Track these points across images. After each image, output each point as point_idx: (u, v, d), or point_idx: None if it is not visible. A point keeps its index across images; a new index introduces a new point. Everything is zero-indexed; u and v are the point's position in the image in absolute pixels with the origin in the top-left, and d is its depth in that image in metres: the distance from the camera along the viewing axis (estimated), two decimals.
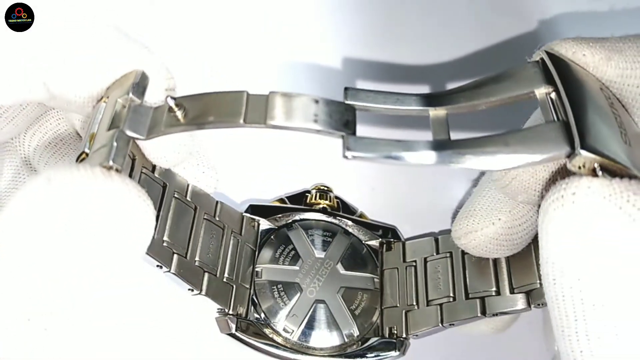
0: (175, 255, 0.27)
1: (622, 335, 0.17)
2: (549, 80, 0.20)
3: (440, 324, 0.30)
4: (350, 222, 0.35)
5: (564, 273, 0.18)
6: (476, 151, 0.19)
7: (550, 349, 0.32)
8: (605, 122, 0.20)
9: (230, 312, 0.30)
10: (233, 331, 0.30)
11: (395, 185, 0.37)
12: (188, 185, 0.29)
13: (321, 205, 0.35)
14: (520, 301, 0.28)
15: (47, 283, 0.18)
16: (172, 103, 0.20)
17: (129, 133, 0.20)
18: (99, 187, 0.19)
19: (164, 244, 0.26)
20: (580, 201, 0.17)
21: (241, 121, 0.20)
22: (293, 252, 0.33)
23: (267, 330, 0.31)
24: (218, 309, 0.30)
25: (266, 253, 0.33)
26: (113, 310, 0.19)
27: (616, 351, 0.17)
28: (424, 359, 0.33)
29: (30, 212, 0.18)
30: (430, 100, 0.21)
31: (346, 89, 0.21)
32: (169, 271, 0.26)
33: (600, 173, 0.18)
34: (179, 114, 0.20)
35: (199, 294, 0.28)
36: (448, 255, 0.31)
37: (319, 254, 0.33)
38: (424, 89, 0.39)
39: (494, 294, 0.29)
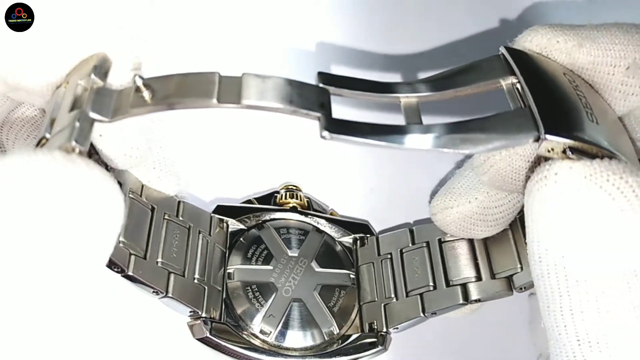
0: (132, 256, 0.25)
1: (603, 310, 0.18)
2: (512, 71, 0.21)
3: (422, 314, 0.30)
4: (321, 220, 0.34)
5: (548, 251, 0.18)
6: (462, 136, 0.19)
7: (537, 346, 0.32)
8: (568, 105, 0.20)
9: (204, 315, 0.28)
10: (207, 335, 0.28)
11: (366, 179, 0.37)
12: (142, 186, 0.27)
13: (291, 205, 0.34)
14: (502, 285, 0.29)
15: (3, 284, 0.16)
16: (139, 82, 0.19)
17: (92, 114, 0.19)
18: (59, 171, 0.17)
19: (120, 245, 0.25)
20: (562, 181, 0.18)
21: (214, 100, 0.19)
22: (265, 252, 0.32)
23: (243, 334, 0.29)
24: (190, 313, 0.28)
25: (237, 254, 0.31)
26: (78, 317, 0.17)
27: (598, 327, 0.18)
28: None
29: None
30: (401, 88, 0.21)
31: (319, 73, 0.21)
32: (125, 273, 0.25)
33: (570, 154, 0.19)
34: (146, 94, 0.19)
35: (165, 296, 0.26)
36: (425, 245, 0.31)
37: (293, 252, 0.32)
38: (396, 78, 0.40)
39: (474, 279, 0.29)
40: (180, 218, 0.29)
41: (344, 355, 0.30)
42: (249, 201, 0.34)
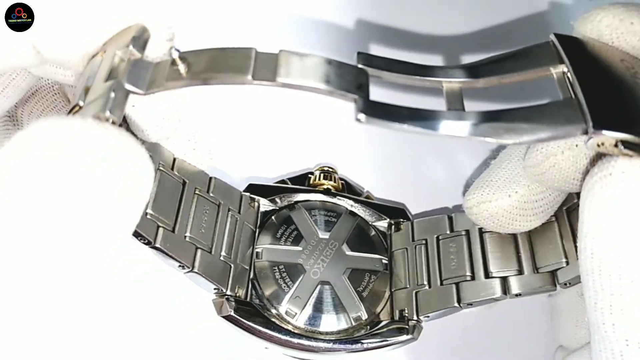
0: (160, 229, 0.25)
1: None
2: (563, 60, 0.20)
3: (456, 304, 0.28)
4: (355, 203, 0.33)
5: (604, 248, 0.18)
6: (505, 125, 0.18)
7: (558, 341, 0.30)
8: (623, 95, 0.19)
9: (228, 292, 0.28)
10: (231, 313, 0.28)
11: (402, 162, 0.36)
12: (175, 159, 0.27)
13: (325, 187, 0.34)
14: (545, 281, 0.27)
15: (33, 253, 0.16)
16: (175, 55, 0.19)
17: (128, 86, 0.19)
18: (92, 137, 0.17)
19: (147, 217, 0.25)
20: (628, 179, 0.17)
21: (249, 77, 0.18)
22: (295, 233, 0.31)
23: (268, 314, 0.29)
24: (215, 289, 0.28)
25: (267, 233, 0.31)
26: (101, 293, 0.17)
27: None
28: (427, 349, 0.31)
29: (15, 167, 0.16)
30: (444, 72, 0.21)
31: (359, 53, 0.20)
32: (153, 245, 0.25)
33: (622, 149, 0.18)
34: (182, 67, 0.19)
35: (191, 271, 0.26)
36: (464, 233, 0.29)
37: (323, 234, 0.32)
38: (437, 60, 0.38)
39: (515, 273, 0.28)
40: (211, 194, 0.29)
41: (371, 342, 0.29)
42: (282, 181, 0.34)
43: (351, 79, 0.19)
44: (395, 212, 0.33)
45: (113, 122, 0.18)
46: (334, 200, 0.33)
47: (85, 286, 0.17)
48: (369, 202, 0.33)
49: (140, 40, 0.20)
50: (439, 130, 0.18)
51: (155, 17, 0.21)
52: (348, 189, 0.34)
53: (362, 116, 0.18)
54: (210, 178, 0.29)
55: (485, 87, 0.21)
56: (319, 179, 0.34)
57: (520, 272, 0.28)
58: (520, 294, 0.27)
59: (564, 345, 0.29)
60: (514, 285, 0.27)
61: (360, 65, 0.20)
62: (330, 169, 0.35)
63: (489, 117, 0.19)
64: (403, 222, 0.32)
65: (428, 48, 0.38)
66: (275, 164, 0.35)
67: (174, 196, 0.27)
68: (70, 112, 0.20)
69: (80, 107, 0.20)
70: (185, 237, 0.26)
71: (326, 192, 0.33)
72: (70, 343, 0.17)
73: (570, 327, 0.28)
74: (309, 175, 0.34)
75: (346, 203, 0.33)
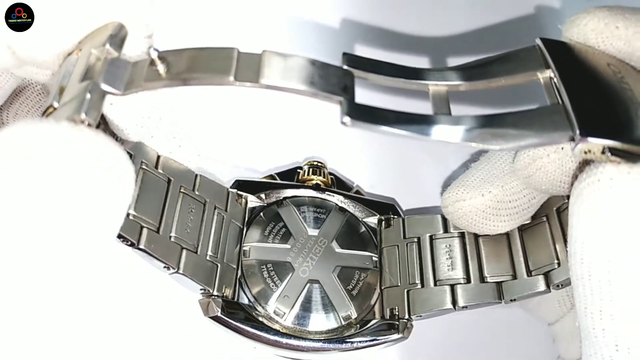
0: (144, 230, 0.24)
1: None
2: (549, 64, 0.20)
3: (451, 306, 0.28)
4: (345, 199, 0.32)
5: (594, 253, 0.18)
6: (492, 131, 0.18)
7: (558, 346, 0.30)
8: (610, 101, 0.19)
9: (215, 293, 0.27)
10: (218, 314, 0.27)
11: (391, 159, 0.35)
12: (159, 157, 0.26)
13: (314, 182, 0.33)
14: (539, 283, 0.27)
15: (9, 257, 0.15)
16: (154, 55, 0.18)
17: (104, 87, 0.18)
18: (66, 141, 0.16)
19: (130, 218, 0.24)
20: (617, 186, 0.17)
21: (231, 78, 0.18)
22: (284, 230, 0.30)
23: (256, 313, 0.28)
24: (201, 290, 0.27)
25: (254, 231, 0.30)
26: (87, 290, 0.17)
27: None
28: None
29: None
30: (430, 75, 0.20)
31: (344, 54, 0.20)
32: (137, 246, 0.24)
33: (610, 156, 0.18)
34: (161, 68, 0.18)
35: (176, 272, 0.25)
36: (459, 235, 0.29)
37: (312, 231, 0.31)
38: (423, 61, 0.38)
39: (510, 277, 0.27)
40: (197, 192, 0.28)
41: (360, 341, 0.28)
42: (270, 176, 0.33)
43: (336, 80, 0.18)
44: (386, 208, 0.33)
45: (89, 125, 0.17)
46: (323, 195, 0.32)
47: (77, 288, 0.16)
48: (358, 198, 0.33)
49: (117, 38, 0.20)
50: (425, 135, 0.18)
51: (133, 13, 0.21)
52: (338, 184, 0.34)
53: (347, 119, 0.18)
54: (196, 175, 0.28)
55: (472, 90, 0.20)
56: (308, 174, 0.33)
57: (514, 276, 0.27)
58: (514, 299, 0.27)
59: (561, 355, 0.30)
60: (509, 290, 0.27)
61: (345, 67, 0.19)
62: (319, 164, 0.34)
63: (475, 122, 0.18)
64: (394, 218, 0.32)
65: (414, 49, 0.37)
66: (262, 159, 0.34)
67: (159, 195, 0.26)
68: (44, 113, 0.19)
69: (55, 109, 0.19)
70: (170, 237, 0.26)
71: (315, 187, 0.33)
72: (66, 343, 0.17)
73: (577, 349, 0.28)
74: (298, 170, 0.34)
75: (336, 199, 0.32)
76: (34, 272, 0.16)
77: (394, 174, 0.35)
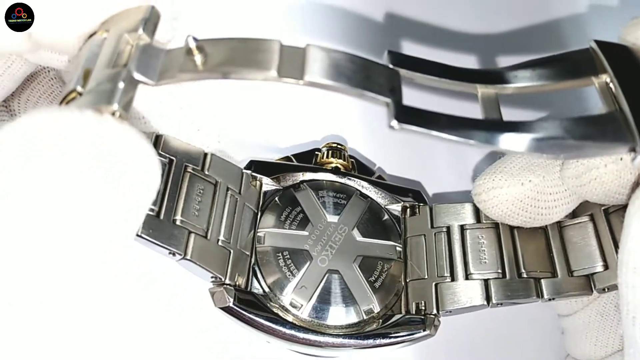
0: None
1: None
2: (605, 69, 0.19)
3: (485, 302, 0.25)
4: (366, 184, 0.30)
5: None
6: (551, 141, 0.18)
7: (570, 353, 0.29)
8: None
9: (227, 281, 0.25)
10: (230, 304, 0.25)
11: (415, 143, 0.33)
12: (157, 137, 0.24)
13: (333, 165, 0.30)
14: (582, 285, 0.25)
15: (32, 257, 0.15)
16: (192, 44, 0.17)
17: (137, 76, 0.17)
18: (93, 133, 0.15)
19: None
20: None
21: (274, 73, 0.17)
22: (301, 216, 0.28)
23: (270, 305, 0.26)
24: (212, 278, 0.25)
25: (270, 216, 0.28)
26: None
27: None
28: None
29: (6, 167, 0.15)
30: (479, 76, 0.19)
31: (389, 52, 0.19)
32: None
33: None
34: (198, 58, 0.17)
35: (183, 257, 0.23)
36: (493, 226, 0.27)
37: (332, 218, 0.29)
38: (470, 59, 0.35)
39: (550, 275, 0.26)
40: (207, 172, 0.25)
41: (384, 337, 0.26)
42: (287, 158, 0.31)
43: (383, 80, 0.17)
44: (410, 194, 0.30)
45: (120, 116, 0.16)
46: (343, 180, 0.30)
47: (86, 286, 0.16)
48: (381, 183, 0.30)
49: (151, 23, 0.18)
50: (478, 142, 0.17)
51: None
52: (359, 167, 0.31)
53: (395, 123, 0.17)
54: (206, 154, 0.26)
55: (521, 93, 0.20)
56: (327, 157, 0.31)
57: (553, 274, 0.26)
58: (553, 299, 0.25)
59: (570, 354, 0.28)
60: (548, 288, 0.25)
61: (391, 66, 0.18)
62: (339, 146, 0.31)
63: (529, 129, 0.18)
64: (420, 205, 0.29)
65: (461, 47, 0.35)
66: (278, 139, 0.31)
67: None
68: (64, 98, 0.18)
69: (79, 94, 0.17)
70: (174, 220, 0.23)
71: (335, 171, 0.30)
72: (68, 342, 0.16)
73: (588, 346, 0.27)
74: (316, 153, 0.31)
75: (356, 183, 0.30)
76: (56, 269, 0.15)
77: (417, 155, 0.33)
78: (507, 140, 0.17)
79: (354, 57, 0.17)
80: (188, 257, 0.23)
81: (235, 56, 0.17)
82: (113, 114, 0.16)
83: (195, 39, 0.17)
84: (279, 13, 0.35)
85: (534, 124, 0.18)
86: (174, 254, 0.23)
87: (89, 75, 0.18)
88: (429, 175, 0.31)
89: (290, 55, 0.17)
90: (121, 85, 0.16)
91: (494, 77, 0.19)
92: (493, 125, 0.18)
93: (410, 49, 0.33)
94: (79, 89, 0.17)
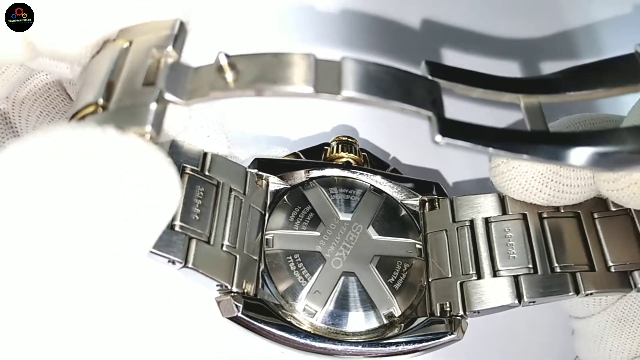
0: None
1: None
2: None
3: (516, 301, 0.23)
4: (381, 178, 0.28)
5: None
6: (610, 157, 0.17)
7: (577, 351, 0.27)
8: None
9: (234, 289, 0.23)
10: (238, 314, 0.23)
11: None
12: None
13: (344, 160, 0.29)
14: (618, 281, 0.23)
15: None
16: (224, 61, 0.16)
17: (168, 96, 0.16)
18: (120, 158, 0.15)
19: None
20: None
21: (310, 89, 0.16)
22: (311, 215, 0.26)
23: (282, 312, 0.24)
24: (218, 286, 0.23)
25: (278, 217, 0.26)
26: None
27: None
28: None
29: (39, 186, 0.14)
30: (521, 85, 0.19)
31: (427, 62, 0.18)
32: None
33: None
34: (230, 76, 0.16)
35: (184, 266, 0.21)
36: (520, 217, 0.25)
37: (344, 216, 0.27)
38: (513, 67, 0.33)
39: (586, 269, 0.24)
40: (207, 173, 0.24)
41: (407, 343, 0.24)
42: (294, 154, 0.29)
43: (424, 93, 0.17)
44: (429, 187, 0.28)
45: (151, 138, 0.16)
46: (356, 175, 0.28)
47: (87, 289, 0.15)
48: (396, 176, 0.28)
49: (180, 39, 0.17)
50: (530, 156, 0.17)
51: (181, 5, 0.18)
52: (371, 161, 0.29)
53: (439, 138, 0.16)
54: (205, 154, 0.24)
55: (565, 102, 0.19)
56: (337, 151, 0.29)
57: (591, 268, 0.24)
58: (592, 294, 0.23)
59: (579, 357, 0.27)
60: (585, 283, 0.23)
61: (430, 77, 0.18)
62: (349, 139, 0.29)
63: (580, 140, 0.17)
64: (439, 198, 0.27)
65: (501, 53, 0.33)
66: (285, 131, 0.29)
67: None
68: (79, 111, 0.17)
69: (101, 107, 0.17)
70: (173, 226, 0.22)
71: (346, 166, 0.28)
72: (68, 344, 0.16)
73: (602, 352, 0.25)
74: (325, 147, 0.29)
75: (370, 178, 0.28)
76: (76, 278, 0.15)
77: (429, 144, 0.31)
78: (561, 154, 0.17)
79: (391, 69, 0.17)
80: (189, 265, 0.21)
81: (268, 72, 0.16)
82: (144, 135, 0.15)
83: (227, 55, 0.16)
84: (306, 21, 0.33)
85: (583, 135, 0.17)
86: (173, 262, 0.21)
87: (113, 89, 0.17)
88: (447, 161, 0.29)
89: (325, 69, 0.16)
90: (153, 106, 0.16)
91: (537, 85, 0.19)
92: (542, 138, 0.17)
93: (449, 57, 0.31)
94: (101, 102, 0.17)
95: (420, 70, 0.18)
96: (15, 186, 0.14)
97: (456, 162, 0.29)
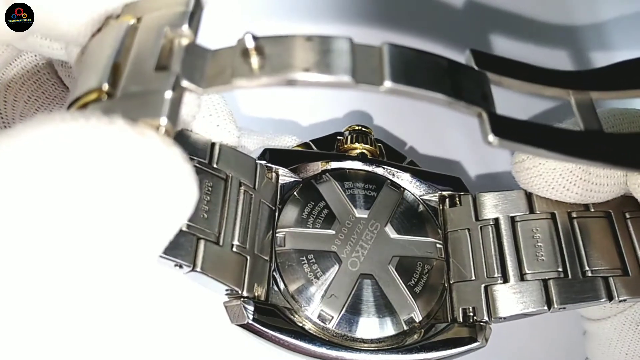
0: None
1: None
2: None
3: (546, 307, 0.22)
4: (398, 172, 0.26)
5: None
6: None
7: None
8: None
9: (245, 293, 0.21)
10: (250, 321, 0.21)
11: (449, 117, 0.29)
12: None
13: (358, 151, 0.27)
14: None
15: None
16: (251, 44, 0.14)
17: (185, 83, 0.15)
18: (133, 149, 0.13)
19: None
20: None
21: (347, 79, 0.14)
22: (326, 212, 0.24)
23: (296, 318, 0.22)
24: (227, 291, 0.21)
25: (290, 213, 0.24)
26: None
27: None
28: None
29: (37, 183, 0.12)
30: (572, 80, 0.17)
31: (472, 51, 0.16)
32: None
33: None
34: (255, 61, 0.14)
35: (192, 269, 0.19)
36: (549, 216, 0.23)
37: (361, 213, 0.25)
38: (563, 58, 0.31)
39: (619, 273, 0.22)
40: (215, 166, 0.22)
41: (428, 350, 0.23)
42: (305, 145, 0.27)
43: (473, 86, 0.15)
44: (449, 182, 0.26)
45: (167, 132, 0.14)
46: (371, 168, 0.26)
47: (93, 293, 0.14)
48: (414, 170, 0.27)
49: (195, 18, 0.16)
50: (591, 160, 0.15)
51: None
52: (387, 153, 0.27)
53: (493, 138, 0.15)
54: (213, 144, 0.22)
55: (621, 99, 0.18)
56: (351, 142, 0.27)
57: (625, 272, 0.22)
58: (625, 300, 0.22)
59: None
60: (619, 287, 0.22)
61: (477, 68, 0.16)
62: (363, 129, 0.27)
63: (632, 141, 0.16)
64: (461, 195, 0.26)
65: (550, 41, 0.30)
66: (296, 117, 0.27)
67: None
68: (80, 98, 0.15)
69: (107, 94, 0.15)
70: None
71: (361, 158, 0.26)
72: (74, 347, 0.15)
73: (616, 355, 0.25)
74: (338, 137, 0.27)
75: (386, 171, 0.26)
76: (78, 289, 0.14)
77: (448, 134, 0.29)
78: (621, 159, 0.16)
79: (437, 58, 0.15)
80: (198, 269, 0.20)
81: (299, 58, 0.14)
82: (158, 128, 0.14)
83: (254, 37, 0.14)
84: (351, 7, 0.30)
85: (632, 137, 0.16)
86: (180, 266, 0.19)
87: (120, 72, 0.15)
88: (469, 151, 0.27)
89: (364, 55, 0.15)
90: (169, 94, 0.14)
91: (589, 80, 0.17)
92: (600, 139, 0.16)
93: (494, 42, 0.29)
94: (106, 87, 0.15)
95: (465, 59, 0.16)
96: (14, 188, 0.12)
97: (479, 151, 0.27)
